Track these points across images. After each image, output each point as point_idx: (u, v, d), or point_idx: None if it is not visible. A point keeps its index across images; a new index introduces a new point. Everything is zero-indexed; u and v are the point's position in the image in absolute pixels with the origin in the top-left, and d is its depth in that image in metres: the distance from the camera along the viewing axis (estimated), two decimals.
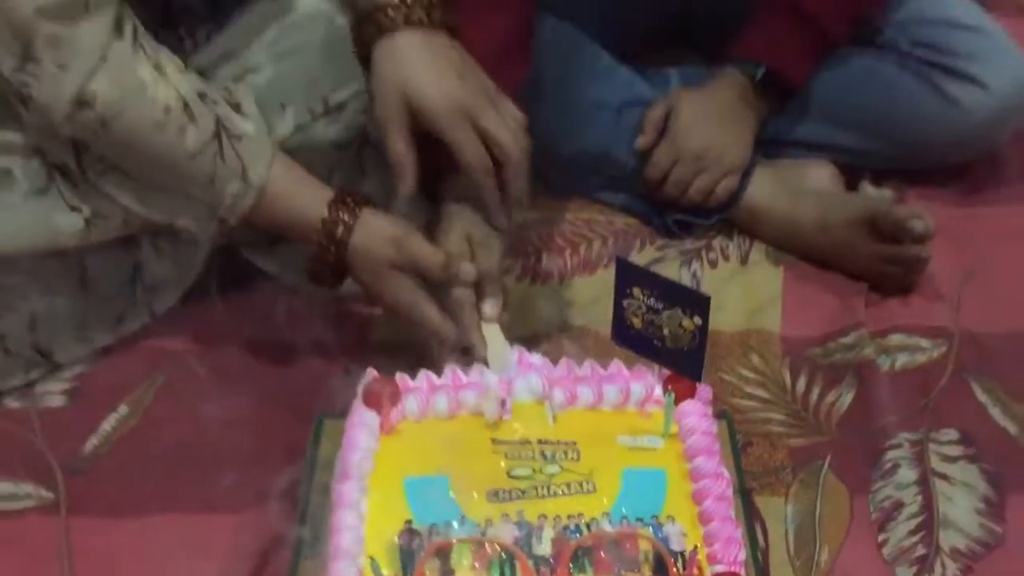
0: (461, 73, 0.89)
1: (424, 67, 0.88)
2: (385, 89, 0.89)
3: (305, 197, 0.96)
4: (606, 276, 1.00)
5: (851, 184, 1.16)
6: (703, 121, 1.14)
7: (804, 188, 1.12)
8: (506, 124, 0.88)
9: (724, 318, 1.02)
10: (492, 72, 0.92)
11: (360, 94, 1.00)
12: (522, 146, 0.89)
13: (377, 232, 0.92)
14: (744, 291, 1.07)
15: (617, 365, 0.79)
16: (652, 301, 0.76)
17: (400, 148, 0.90)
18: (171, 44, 0.96)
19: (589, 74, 1.19)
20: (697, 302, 0.73)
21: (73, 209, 0.96)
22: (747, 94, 1.15)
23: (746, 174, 1.13)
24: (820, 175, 1.14)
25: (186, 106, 0.91)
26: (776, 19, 1.14)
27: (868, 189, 1.12)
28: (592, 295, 1.05)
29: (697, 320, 0.74)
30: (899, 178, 1.17)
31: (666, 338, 0.76)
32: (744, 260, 1.12)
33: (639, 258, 1.10)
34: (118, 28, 0.89)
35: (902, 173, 1.18)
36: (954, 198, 1.17)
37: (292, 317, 0.96)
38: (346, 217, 0.93)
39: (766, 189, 1.12)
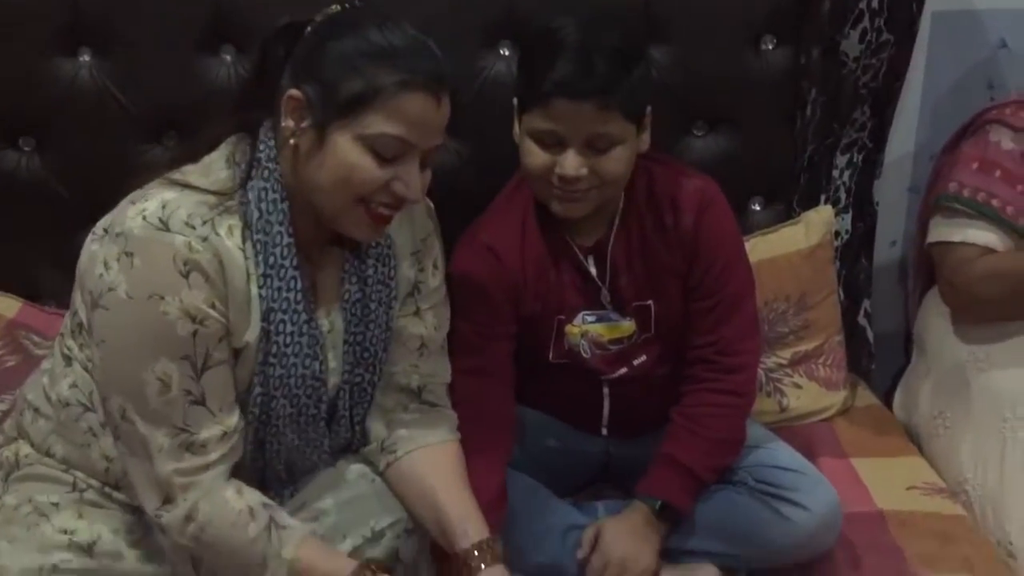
0: None
1: None
2: None
3: (331, 563, 1.19)
4: None
5: None
6: (622, 538, 1.42)
7: None
8: None
9: None
10: (487, 512, 1.31)
11: (394, 524, 1.31)
12: None
13: None
14: None
15: None
16: None
17: None
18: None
19: (542, 510, 1.49)
20: None
21: None
22: (650, 519, 1.44)
23: (655, 575, 1.41)
24: (707, 574, 1.45)
25: (251, 510, 1.18)
26: (666, 469, 1.47)
27: None
28: None
29: None
30: (765, 574, 1.46)
31: None
32: None
33: None
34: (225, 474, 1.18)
35: (766, 571, 1.47)
36: None
37: None
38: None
39: None
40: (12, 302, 1.82)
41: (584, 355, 1.54)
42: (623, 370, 1.55)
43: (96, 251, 1.19)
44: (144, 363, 1.15)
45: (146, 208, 1.18)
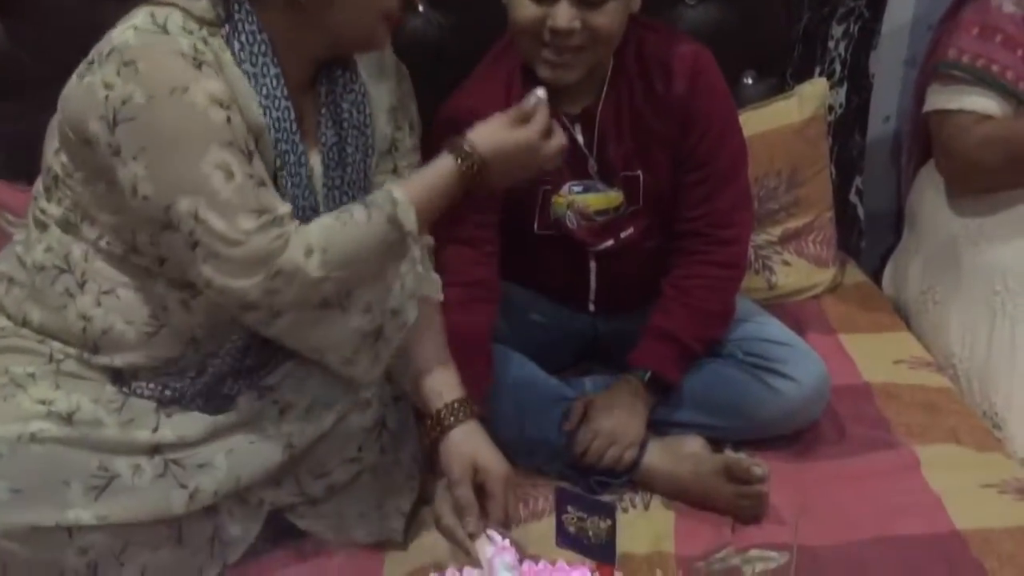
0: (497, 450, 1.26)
1: (487, 447, 1.27)
2: (462, 459, 1.25)
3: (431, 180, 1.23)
4: (550, 520, 1.18)
5: (717, 450, 1.45)
6: (611, 411, 1.42)
7: (683, 454, 1.43)
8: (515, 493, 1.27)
9: (635, 545, 1.30)
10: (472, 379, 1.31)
11: (380, 393, 1.31)
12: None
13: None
14: (648, 527, 1.35)
15: (560, 562, 1.06)
16: (581, 513, 1.10)
17: (468, 495, 1.24)
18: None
19: (529, 383, 1.48)
20: (608, 509, 1.08)
21: (182, 487, 1.22)
22: (640, 390, 1.44)
23: (643, 446, 1.41)
24: (694, 445, 1.45)
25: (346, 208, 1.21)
26: (655, 341, 1.47)
27: (728, 453, 1.43)
28: (540, 533, 1.29)
29: (608, 521, 1.07)
30: (751, 445, 1.46)
31: (591, 537, 1.09)
32: (647, 507, 1.40)
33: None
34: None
35: (752, 443, 1.47)
36: (789, 456, 1.46)
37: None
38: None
39: (657, 456, 1.42)
40: None
41: (570, 226, 1.52)
42: (609, 242, 1.53)
43: (90, 81, 1.17)
44: (197, 156, 1.13)
45: (135, 22, 1.17)
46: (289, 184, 1.24)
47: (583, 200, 1.51)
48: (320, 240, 1.17)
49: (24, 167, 1.76)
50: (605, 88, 1.46)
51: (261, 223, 1.14)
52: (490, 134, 1.26)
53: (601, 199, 1.51)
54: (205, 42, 1.18)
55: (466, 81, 1.51)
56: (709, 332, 1.50)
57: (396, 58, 1.41)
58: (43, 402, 1.22)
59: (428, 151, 1.37)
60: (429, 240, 1.40)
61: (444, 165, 1.25)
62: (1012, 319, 1.70)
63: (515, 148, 1.27)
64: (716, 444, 1.48)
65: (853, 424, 1.54)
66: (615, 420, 1.43)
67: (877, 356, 1.72)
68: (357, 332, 1.22)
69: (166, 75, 1.13)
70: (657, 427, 1.48)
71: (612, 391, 1.47)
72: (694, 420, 1.49)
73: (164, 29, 1.16)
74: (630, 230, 1.53)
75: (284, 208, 1.18)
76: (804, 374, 1.47)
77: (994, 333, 1.71)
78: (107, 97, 1.14)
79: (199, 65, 1.15)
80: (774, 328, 1.55)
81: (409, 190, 1.23)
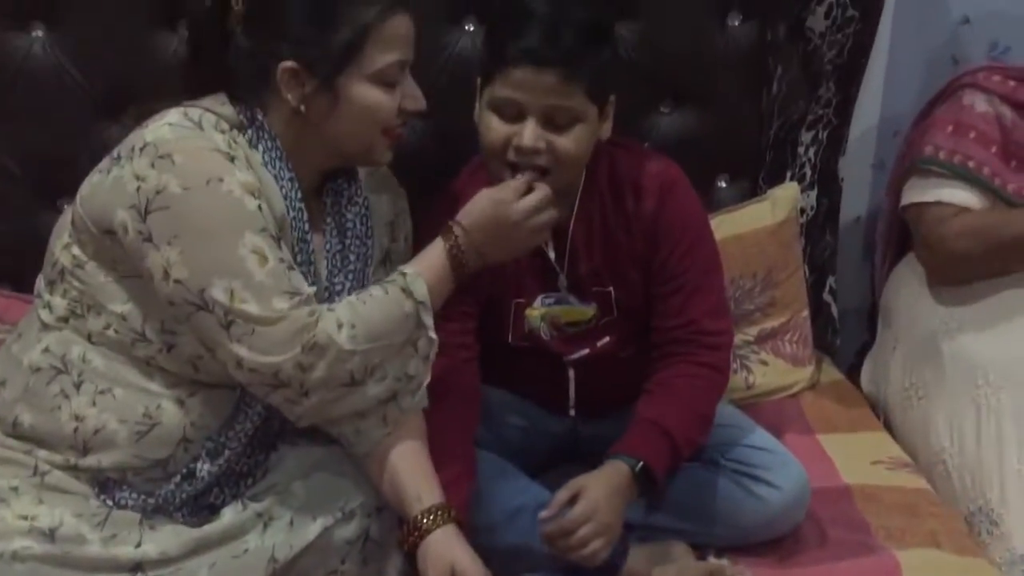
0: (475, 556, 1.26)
1: (465, 552, 1.26)
2: (439, 564, 1.24)
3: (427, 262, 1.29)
4: None
5: (700, 557, 1.45)
6: (610, 498, 1.34)
7: (667, 560, 1.42)
8: None
9: None
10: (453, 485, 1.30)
11: (364, 504, 1.31)
12: None
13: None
14: None
15: None
16: None
17: None
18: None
19: (510, 488, 1.47)
20: None
21: None
22: (630, 480, 1.37)
23: (625, 552, 1.39)
24: (678, 551, 1.45)
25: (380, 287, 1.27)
26: (645, 431, 1.41)
27: (712, 560, 1.43)
28: None
29: None
30: (734, 551, 1.47)
31: None
32: None
33: None
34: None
35: (735, 549, 1.47)
36: (772, 563, 1.46)
37: None
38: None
39: (641, 562, 1.41)
40: None
41: (544, 337, 1.53)
42: (585, 351, 1.55)
43: (118, 175, 1.21)
44: (233, 241, 1.18)
45: (168, 120, 1.23)
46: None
47: (555, 312, 1.52)
48: (348, 315, 1.22)
49: (8, 274, 1.79)
50: (576, 205, 1.49)
51: (294, 303, 1.19)
52: (471, 205, 1.34)
53: (574, 312, 1.52)
54: (235, 141, 1.25)
55: (441, 194, 1.53)
56: (695, 434, 1.46)
57: (392, 174, 1.47)
58: (26, 517, 1.21)
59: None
60: None
61: (436, 244, 1.33)
62: (996, 413, 1.70)
63: (493, 211, 1.32)
64: (698, 550, 1.48)
65: (834, 527, 1.54)
66: (611, 510, 1.36)
67: (855, 456, 1.73)
68: (374, 399, 1.27)
69: (202, 167, 1.19)
70: (638, 531, 1.47)
71: (605, 476, 1.39)
72: (678, 526, 1.49)
73: (199, 126, 1.23)
74: (606, 339, 1.54)
75: (311, 289, 1.23)
76: (785, 481, 1.48)
77: (981, 428, 1.71)
78: (139, 188, 1.19)
79: (232, 159, 1.22)
80: (755, 433, 1.55)
81: (414, 267, 1.31)
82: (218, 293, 1.18)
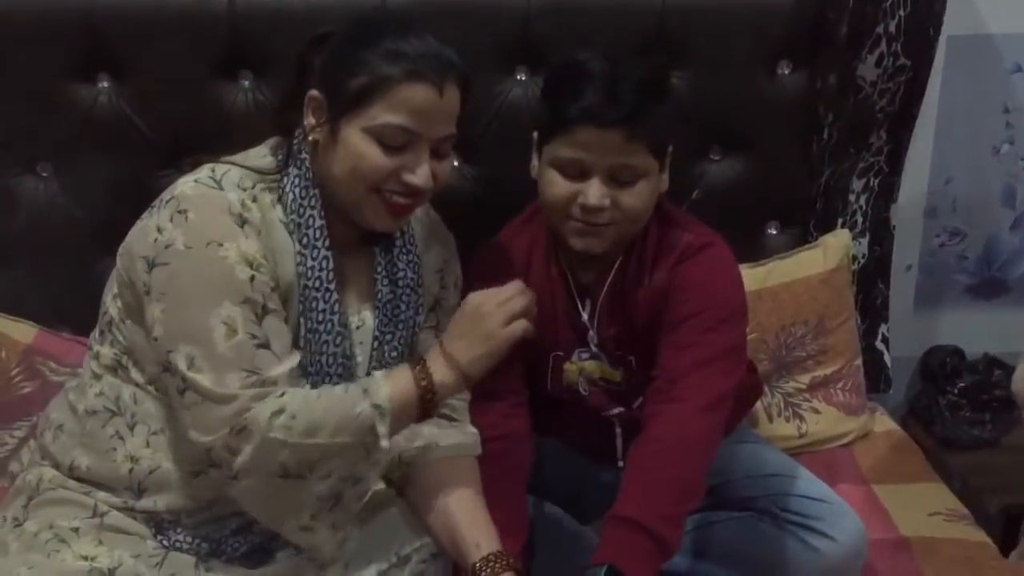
0: None
1: None
2: None
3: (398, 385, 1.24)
4: None
5: None
6: None
7: None
8: None
9: None
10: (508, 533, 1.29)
11: (419, 549, 1.32)
12: None
13: None
14: None
15: None
16: None
17: None
18: None
19: (565, 535, 1.49)
20: None
21: None
22: None
23: None
24: None
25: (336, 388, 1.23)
26: (613, 530, 1.30)
27: None
28: None
29: None
30: None
31: None
32: None
33: None
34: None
35: None
36: None
37: None
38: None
39: None
40: (29, 328, 1.81)
41: (583, 392, 1.53)
42: (620, 409, 1.53)
43: (147, 223, 1.24)
44: (209, 308, 1.18)
45: (197, 175, 1.25)
46: (309, 331, 1.28)
47: (590, 368, 1.52)
48: (293, 406, 1.19)
49: (69, 317, 1.83)
50: (615, 268, 1.47)
51: (247, 383, 1.18)
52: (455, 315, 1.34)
53: (605, 371, 1.52)
54: (255, 199, 1.25)
55: (491, 241, 1.54)
56: (674, 507, 1.33)
57: (440, 220, 1.48)
58: (86, 558, 1.23)
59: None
60: (466, 395, 1.42)
61: (406, 370, 1.30)
62: None
63: (471, 312, 1.31)
64: None
65: None
66: None
67: (912, 507, 1.70)
68: (316, 497, 1.23)
69: (209, 228, 1.20)
70: None
71: None
72: (725, 575, 1.49)
73: (219, 185, 1.23)
74: (639, 400, 1.51)
75: (278, 370, 1.20)
76: (842, 532, 1.46)
77: None
78: (155, 240, 1.21)
79: (242, 224, 1.22)
80: (810, 483, 1.53)
81: (390, 374, 1.28)
82: (179, 359, 1.18)
